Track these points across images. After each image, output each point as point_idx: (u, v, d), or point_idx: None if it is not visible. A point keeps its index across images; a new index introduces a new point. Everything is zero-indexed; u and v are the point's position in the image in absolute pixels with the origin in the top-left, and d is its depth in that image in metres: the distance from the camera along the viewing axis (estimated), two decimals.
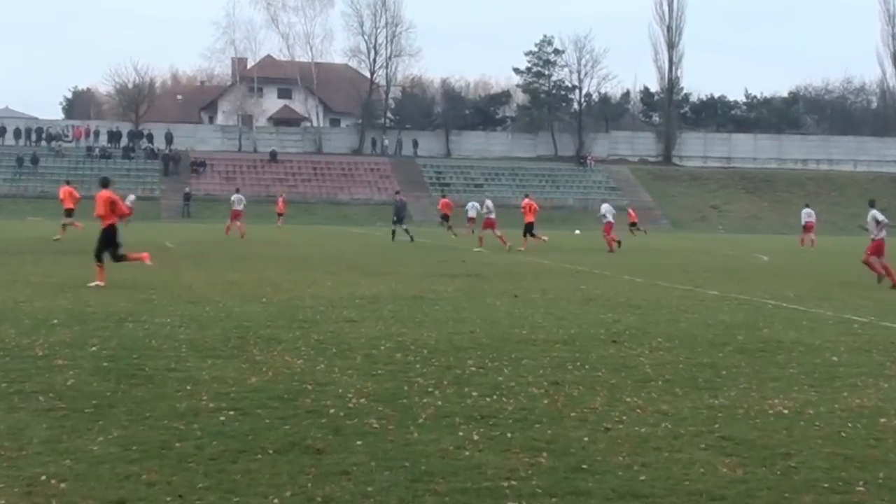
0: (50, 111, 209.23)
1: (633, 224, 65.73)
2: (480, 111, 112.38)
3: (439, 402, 9.49)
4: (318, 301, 18.01)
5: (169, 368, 10.93)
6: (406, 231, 46.39)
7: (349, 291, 19.99)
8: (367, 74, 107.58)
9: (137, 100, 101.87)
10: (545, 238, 41.71)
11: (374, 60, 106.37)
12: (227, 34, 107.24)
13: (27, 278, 21.44)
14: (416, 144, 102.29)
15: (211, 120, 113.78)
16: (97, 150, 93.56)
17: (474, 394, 9.91)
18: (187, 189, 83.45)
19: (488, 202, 44.82)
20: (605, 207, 43.00)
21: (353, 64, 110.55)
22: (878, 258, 24.78)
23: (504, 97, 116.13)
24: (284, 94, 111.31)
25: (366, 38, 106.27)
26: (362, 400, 9.52)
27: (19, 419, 8.53)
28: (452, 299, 19.00)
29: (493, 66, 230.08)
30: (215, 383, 10.14)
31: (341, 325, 14.72)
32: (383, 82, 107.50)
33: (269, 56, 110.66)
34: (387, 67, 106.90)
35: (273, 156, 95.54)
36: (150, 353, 11.84)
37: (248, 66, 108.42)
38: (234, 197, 53.38)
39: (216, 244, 39.57)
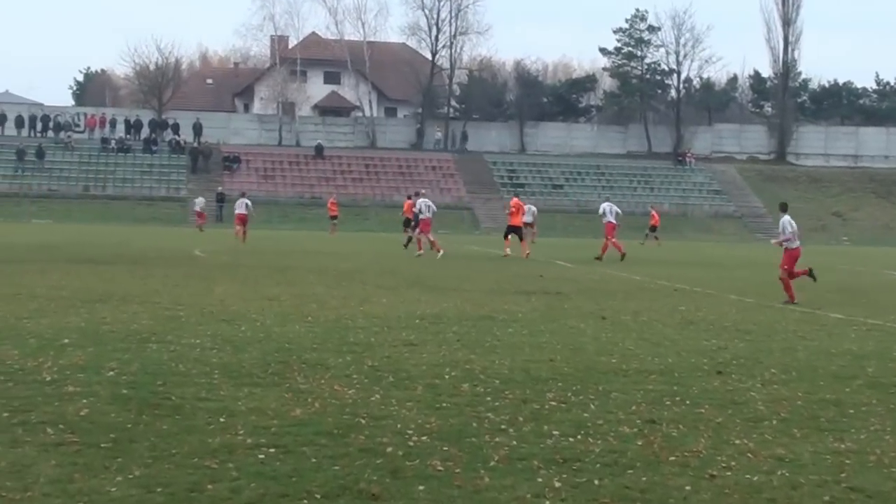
0: (58, 96, 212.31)
1: (654, 228, 65.14)
2: (560, 99, 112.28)
3: (514, 442, 9.46)
4: (372, 321, 18.06)
5: (199, 397, 11.00)
6: (409, 238, 47.12)
7: (407, 310, 20.04)
8: (428, 56, 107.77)
9: (160, 84, 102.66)
10: (508, 251, 41.78)
11: (437, 39, 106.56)
12: (265, 8, 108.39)
13: (32, 291, 21.63)
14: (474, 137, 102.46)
15: (246, 108, 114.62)
16: (113, 142, 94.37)
17: (555, 433, 9.88)
18: (220, 189, 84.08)
19: (425, 201, 44.75)
20: (606, 206, 43.31)
21: (411, 43, 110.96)
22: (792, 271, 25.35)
23: (588, 83, 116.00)
24: (332, 78, 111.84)
25: (427, 12, 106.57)
26: (424, 438, 9.52)
27: (24, 455, 8.60)
28: (528, 321, 18.97)
29: (576, 46, 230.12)
30: (253, 415, 10.19)
31: (399, 350, 14.75)
32: (447, 65, 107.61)
33: (314, 34, 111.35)
34: (451, 47, 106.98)
35: (318, 150, 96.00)
36: (177, 380, 11.93)
37: (290, 46, 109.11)
38: (239, 200, 55.42)
39: (252, 253, 39.85)
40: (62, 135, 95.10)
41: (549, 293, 24.97)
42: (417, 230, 44.29)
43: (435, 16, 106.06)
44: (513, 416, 10.56)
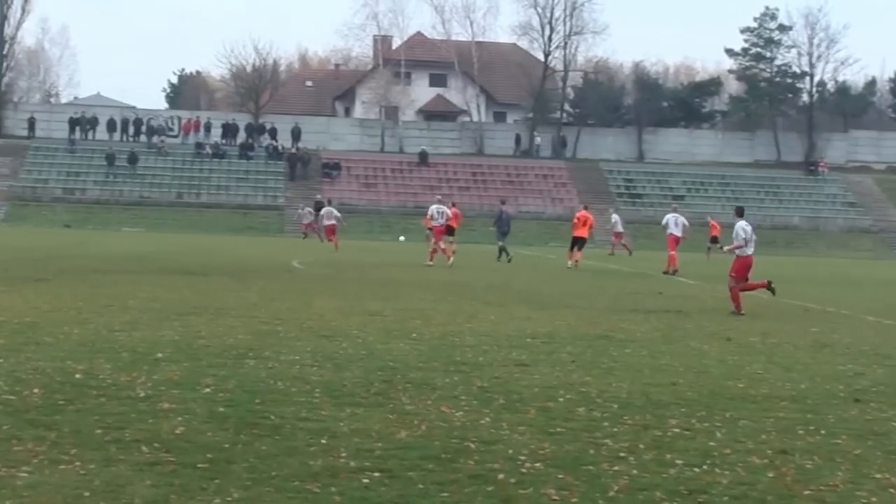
0: (150, 99, 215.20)
1: (715, 239, 64.52)
2: (682, 103, 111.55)
3: (634, 471, 9.41)
4: (480, 339, 18.07)
5: (299, 417, 11.07)
6: (505, 250, 48.10)
7: (518, 328, 20.03)
8: (541, 57, 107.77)
9: (258, 86, 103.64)
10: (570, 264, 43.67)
11: (550, 39, 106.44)
12: (368, 6, 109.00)
13: (124, 302, 21.92)
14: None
15: (347, 112, 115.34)
16: (208, 147, 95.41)
17: (678, 462, 9.81)
18: (318, 196, 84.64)
19: (438, 207, 45.67)
20: (671, 217, 44.83)
21: (522, 44, 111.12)
22: (743, 281, 25.74)
23: (713, 86, 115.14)
24: (438, 80, 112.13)
25: (539, 10, 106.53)
26: (538, 464, 9.50)
27: (118, 474, 8.70)
28: (647, 341, 18.87)
29: (700, 47, 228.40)
30: (356, 437, 10.23)
31: (510, 370, 14.74)
32: (560, 67, 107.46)
33: (419, 34, 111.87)
34: (565, 48, 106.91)
35: (423, 157, 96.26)
36: (276, 398, 12.02)
37: (394, 47, 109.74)
38: (324, 210, 56.99)
39: (353, 266, 40.06)
40: (155, 139, 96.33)
41: (670, 312, 24.83)
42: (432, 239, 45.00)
43: (548, 14, 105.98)
44: (633, 443, 10.51)
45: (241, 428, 10.44)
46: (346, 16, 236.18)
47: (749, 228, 25.83)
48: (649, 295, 29.94)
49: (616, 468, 9.48)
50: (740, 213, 27.08)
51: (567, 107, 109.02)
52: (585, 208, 46.94)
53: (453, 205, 51.25)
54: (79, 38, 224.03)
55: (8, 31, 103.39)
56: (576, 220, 45.13)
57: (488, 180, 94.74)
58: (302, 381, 13.10)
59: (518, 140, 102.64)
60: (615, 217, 44.79)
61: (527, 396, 12.73)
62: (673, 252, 42.97)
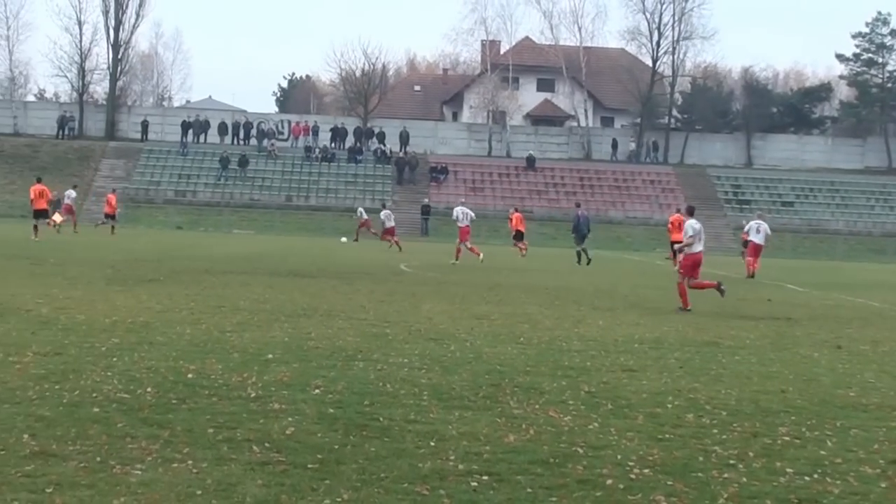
0: (261, 103, 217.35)
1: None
2: (792, 109, 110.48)
3: (744, 479, 9.32)
4: (587, 344, 18.02)
5: (408, 419, 11.10)
6: (584, 252, 48.41)
7: (626, 333, 19.94)
8: (649, 62, 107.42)
9: (366, 91, 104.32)
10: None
11: (658, 44, 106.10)
12: (476, 12, 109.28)
13: (235, 304, 22.11)
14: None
15: (455, 117, 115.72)
16: (317, 150, 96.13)
17: (789, 470, 9.70)
18: (426, 200, 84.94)
19: (462, 209, 48.12)
20: (754, 224, 44.18)
21: (631, 49, 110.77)
22: (692, 278, 26.24)
23: (823, 92, 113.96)
24: (545, 85, 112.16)
25: (648, 15, 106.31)
26: (646, 470, 9.45)
27: (230, 473, 8.78)
28: (756, 348, 18.68)
29: (810, 53, 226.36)
30: (465, 440, 10.24)
31: (617, 376, 14.68)
32: (668, 72, 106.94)
33: (527, 39, 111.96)
34: (673, 53, 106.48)
35: (530, 162, 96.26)
36: (385, 400, 12.07)
37: (502, 52, 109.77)
38: (383, 214, 59.08)
39: (460, 269, 40.12)
40: (265, 143, 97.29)
41: (779, 319, 24.55)
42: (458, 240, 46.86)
43: (657, 19, 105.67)
44: (742, 450, 10.41)
45: (350, 429, 10.49)
46: (455, 21, 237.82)
47: (698, 226, 26.45)
48: (758, 302, 29.64)
49: (725, 475, 9.40)
50: (691, 212, 28.32)
51: (675, 112, 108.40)
52: (678, 211, 47.47)
53: (515, 209, 56.23)
54: (191, 43, 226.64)
55: (123, 35, 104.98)
56: (671, 226, 45.98)
57: (595, 185, 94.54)
58: (410, 384, 13.14)
59: (615, 145, 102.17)
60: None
61: (635, 402, 12.67)
62: (752, 258, 43.08)
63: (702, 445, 10.55)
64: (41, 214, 50.81)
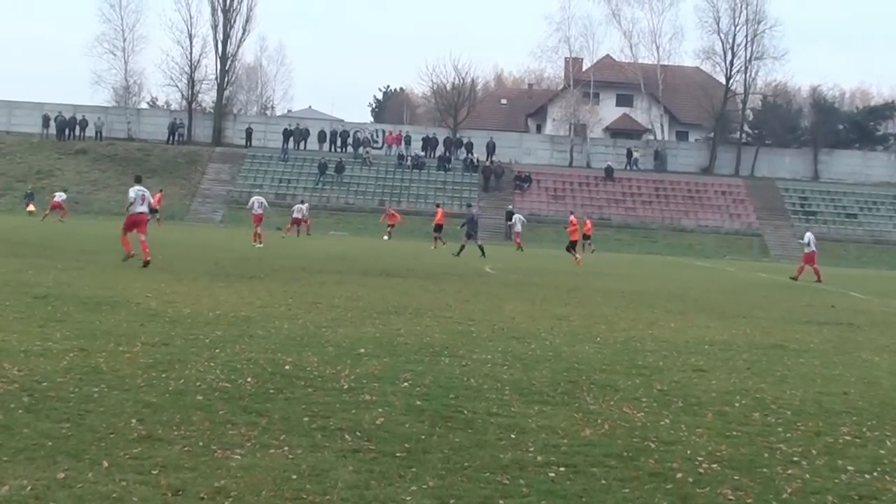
0: (357, 113, 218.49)
1: (585, 236, 65.41)
2: (857, 126, 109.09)
3: (807, 476, 9.20)
4: (660, 345, 17.91)
5: (490, 413, 11.06)
6: (480, 247, 51.15)
7: (696, 335, 19.80)
8: (722, 80, 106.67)
9: (456, 103, 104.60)
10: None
11: (731, 64, 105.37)
12: (560, 30, 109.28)
13: (330, 301, 22.18)
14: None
15: (538, 129, 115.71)
16: (409, 158, 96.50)
17: (850, 468, 9.56)
18: (510, 207, 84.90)
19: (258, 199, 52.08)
20: (811, 235, 46.02)
21: (705, 67, 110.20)
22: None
23: (887, 110, 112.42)
24: (624, 101, 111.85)
25: (722, 36, 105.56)
26: (714, 465, 9.36)
27: (323, 459, 8.79)
28: (820, 352, 18.48)
29: (875, 72, 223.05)
30: (543, 433, 10.20)
31: (688, 375, 14.56)
32: (740, 90, 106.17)
33: (608, 57, 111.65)
34: (745, 72, 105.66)
35: (608, 172, 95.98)
36: (469, 394, 12.04)
37: (584, 68, 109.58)
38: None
39: (541, 272, 40.07)
40: (361, 150, 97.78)
41: (842, 324, 24.28)
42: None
43: (730, 40, 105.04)
44: (805, 448, 10.28)
45: (436, 421, 10.48)
46: (540, 39, 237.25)
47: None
48: (822, 307, 29.33)
49: (790, 471, 9.29)
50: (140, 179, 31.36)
51: (746, 127, 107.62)
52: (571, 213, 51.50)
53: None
54: (293, 56, 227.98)
55: (230, 48, 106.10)
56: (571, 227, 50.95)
57: (669, 196, 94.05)
58: (493, 379, 13.10)
59: (657, 155, 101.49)
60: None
61: (704, 400, 12.56)
62: (814, 265, 44.78)
63: (767, 443, 10.44)
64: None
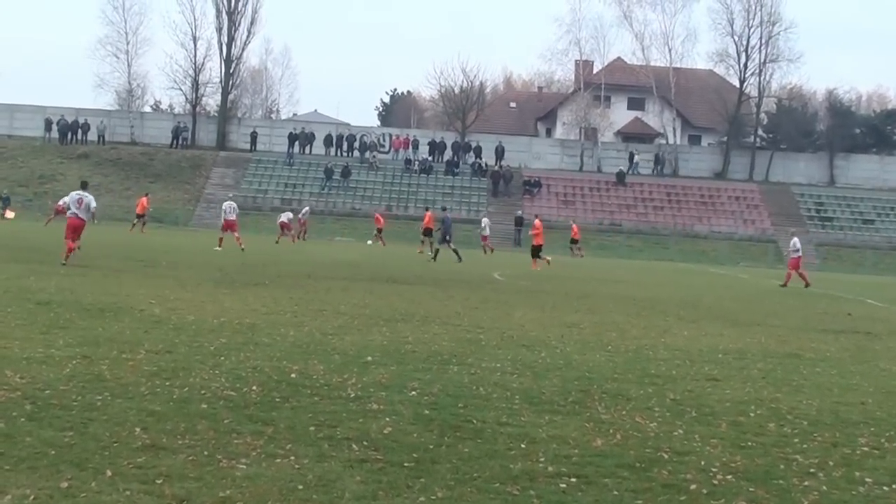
0: (364, 117, 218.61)
1: (574, 241, 66.75)
2: (874, 130, 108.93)
3: (824, 487, 9.18)
4: (673, 353, 17.90)
5: (500, 422, 11.05)
6: (455, 251, 51.84)
7: (710, 344, 19.78)
8: (736, 83, 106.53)
9: (464, 107, 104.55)
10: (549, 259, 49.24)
11: (745, 66, 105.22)
12: (570, 33, 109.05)
13: (337, 308, 22.19)
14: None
15: (548, 133, 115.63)
16: (416, 163, 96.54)
17: (868, 480, 9.53)
18: (519, 212, 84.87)
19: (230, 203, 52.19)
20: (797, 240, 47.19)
21: (719, 70, 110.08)
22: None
23: None
24: (636, 104, 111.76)
25: (736, 38, 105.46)
26: (729, 476, 9.34)
27: (330, 469, 8.78)
28: (837, 361, 18.45)
29: (893, 75, 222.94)
30: (554, 443, 10.19)
31: (702, 384, 14.54)
32: (754, 93, 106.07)
33: (619, 59, 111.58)
34: (760, 75, 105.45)
35: (620, 177, 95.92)
36: (478, 403, 12.03)
37: (595, 71, 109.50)
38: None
39: (551, 279, 40.05)
40: (367, 155, 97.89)
41: (859, 332, 24.23)
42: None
43: (744, 42, 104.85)
44: (822, 459, 10.26)
45: (444, 430, 10.48)
46: (550, 41, 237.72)
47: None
48: (839, 315, 29.30)
49: (806, 483, 9.27)
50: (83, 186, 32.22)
51: (761, 131, 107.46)
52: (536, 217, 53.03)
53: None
54: (299, 59, 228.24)
55: (235, 51, 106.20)
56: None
57: (682, 201, 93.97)
58: (502, 388, 13.10)
59: (657, 160, 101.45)
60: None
61: (718, 410, 12.54)
62: (801, 270, 46.15)
63: (783, 454, 10.42)
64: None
